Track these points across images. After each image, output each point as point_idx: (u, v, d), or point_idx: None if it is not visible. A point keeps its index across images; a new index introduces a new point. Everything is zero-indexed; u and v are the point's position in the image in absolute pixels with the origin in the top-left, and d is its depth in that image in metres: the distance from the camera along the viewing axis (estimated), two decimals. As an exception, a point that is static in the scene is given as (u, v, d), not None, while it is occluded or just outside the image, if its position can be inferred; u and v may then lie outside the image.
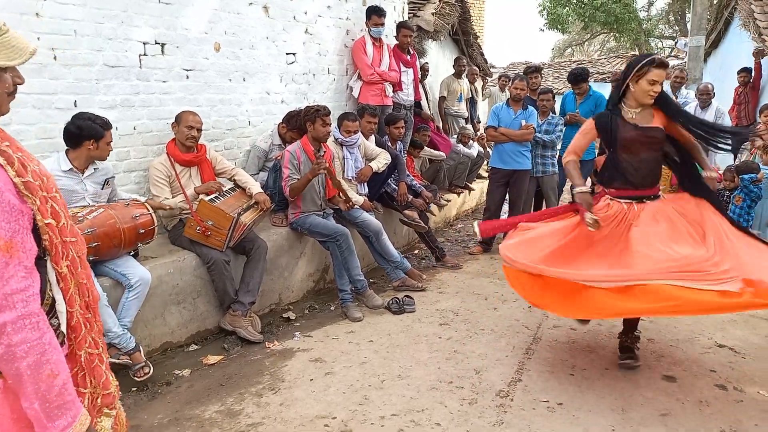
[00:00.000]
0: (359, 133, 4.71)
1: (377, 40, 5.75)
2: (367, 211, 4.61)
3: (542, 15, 20.61)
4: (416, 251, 5.93)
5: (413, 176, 5.76)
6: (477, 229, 3.63)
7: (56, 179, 2.90)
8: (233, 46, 4.51)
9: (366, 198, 4.74)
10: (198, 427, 2.72)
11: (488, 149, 7.81)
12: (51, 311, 1.25)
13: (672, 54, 18.01)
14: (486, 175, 7.44)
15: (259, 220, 3.95)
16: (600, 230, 2.94)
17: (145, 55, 3.85)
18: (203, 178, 3.84)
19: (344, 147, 4.64)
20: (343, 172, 4.64)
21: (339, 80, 5.80)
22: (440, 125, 8.02)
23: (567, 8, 19.60)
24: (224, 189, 3.82)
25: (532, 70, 6.68)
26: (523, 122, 5.44)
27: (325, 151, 4.30)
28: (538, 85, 6.49)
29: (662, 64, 2.96)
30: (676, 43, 17.74)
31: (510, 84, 5.77)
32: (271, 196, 4.07)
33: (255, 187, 3.95)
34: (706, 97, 6.53)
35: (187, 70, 4.15)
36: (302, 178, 4.09)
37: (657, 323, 3.86)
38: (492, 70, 12.96)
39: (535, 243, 3.17)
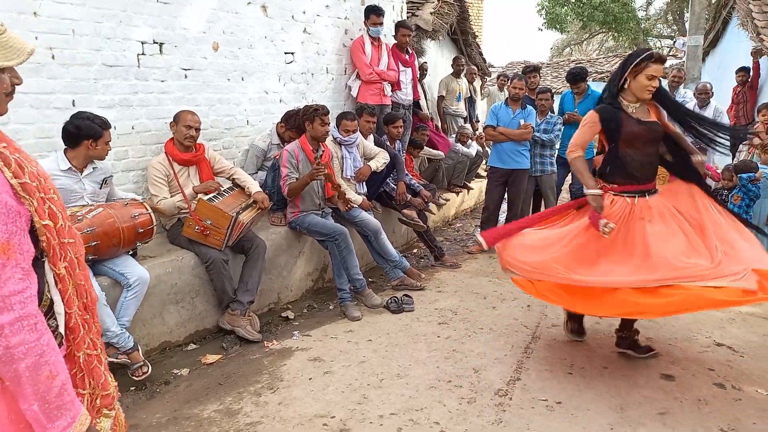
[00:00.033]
0: (358, 133, 4.71)
1: (376, 40, 5.75)
2: (365, 211, 4.61)
3: (541, 14, 20.61)
4: (415, 250, 5.93)
5: (412, 175, 5.76)
6: (482, 240, 3.43)
7: (55, 178, 2.94)
8: (232, 46, 4.50)
9: (365, 197, 4.73)
10: (197, 426, 2.72)
11: (487, 148, 7.81)
12: (49, 312, 1.25)
13: (670, 53, 18.02)
14: (485, 174, 7.44)
15: (257, 219, 3.95)
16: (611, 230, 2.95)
17: (143, 54, 3.84)
18: (202, 178, 3.83)
19: (343, 146, 4.64)
20: (342, 171, 4.64)
21: (337, 80, 5.80)
22: (439, 124, 8.02)
23: (565, 8, 19.60)
24: (223, 188, 3.82)
25: (531, 70, 6.69)
26: (522, 122, 5.45)
27: (324, 151, 4.30)
28: (537, 85, 6.50)
29: (660, 59, 2.98)
30: (674, 42, 17.73)
31: (508, 83, 5.78)
32: (269, 196, 4.06)
33: (254, 186, 3.95)
34: (704, 96, 6.53)
35: (185, 69, 4.15)
36: (301, 179, 4.09)
37: (656, 322, 3.86)
38: (491, 69, 12.95)
39: (544, 249, 3.11)
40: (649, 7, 23.10)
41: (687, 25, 10.53)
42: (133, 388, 3.06)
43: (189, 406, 2.90)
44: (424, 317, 4.04)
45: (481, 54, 10.39)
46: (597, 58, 20.52)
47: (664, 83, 7.25)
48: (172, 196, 3.69)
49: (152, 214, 3.25)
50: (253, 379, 3.16)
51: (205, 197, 3.55)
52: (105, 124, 3.15)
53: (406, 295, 4.29)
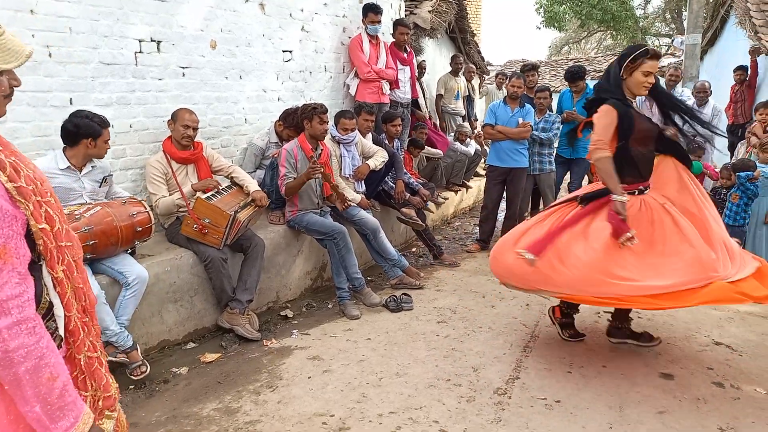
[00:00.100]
0: (356, 131, 4.70)
1: (374, 38, 5.74)
2: (364, 209, 4.61)
3: (539, 13, 20.62)
4: (414, 249, 5.93)
5: (411, 174, 5.76)
6: (529, 255, 2.99)
7: (53, 177, 2.93)
8: (229, 44, 4.49)
9: (363, 196, 4.73)
10: (196, 424, 2.71)
11: (485, 147, 7.82)
12: (48, 314, 1.24)
13: (668, 52, 18.03)
14: (483, 173, 7.45)
15: (256, 218, 3.94)
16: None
17: (140, 52, 3.83)
18: (200, 176, 3.82)
19: (341, 145, 4.63)
20: (341, 170, 4.63)
21: (336, 78, 5.79)
22: (437, 123, 8.02)
23: (564, 6, 19.60)
24: (221, 187, 3.81)
25: (529, 68, 6.69)
26: (520, 120, 5.45)
27: (322, 150, 4.29)
28: (535, 83, 6.50)
29: (656, 55, 2.99)
30: (672, 41, 17.75)
31: (507, 82, 5.78)
32: (268, 194, 4.05)
33: (252, 184, 3.94)
34: (703, 95, 6.53)
35: (183, 67, 4.14)
36: (298, 178, 4.08)
37: (654, 321, 3.87)
38: (489, 67, 12.96)
39: (568, 257, 2.93)
40: (648, 6, 23.12)
41: (685, 23, 10.53)
42: (132, 387, 3.05)
43: (188, 405, 2.89)
44: (423, 316, 4.04)
45: (479, 52, 10.38)
46: (595, 57, 20.54)
47: (662, 82, 7.27)
48: (170, 195, 3.68)
49: (150, 212, 3.24)
50: (252, 378, 3.16)
51: (204, 196, 3.54)
52: (104, 123, 3.14)
53: (405, 294, 4.29)
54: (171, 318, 3.53)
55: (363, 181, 4.85)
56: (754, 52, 8.01)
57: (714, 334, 3.69)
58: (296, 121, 4.41)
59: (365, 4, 5.72)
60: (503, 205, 5.98)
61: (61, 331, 1.27)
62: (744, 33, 8.23)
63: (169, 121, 3.74)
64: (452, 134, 7.75)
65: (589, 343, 3.55)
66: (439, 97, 8.08)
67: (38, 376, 1.13)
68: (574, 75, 5.90)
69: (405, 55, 6.21)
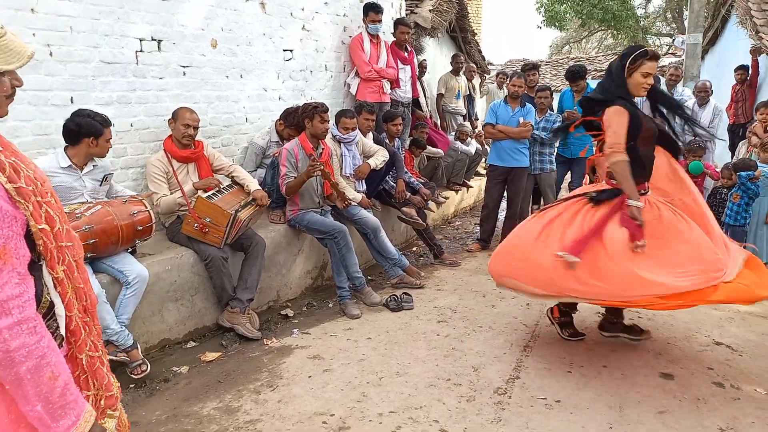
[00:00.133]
0: (357, 131, 4.70)
1: (375, 37, 5.74)
2: (365, 209, 4.61)
3: (540, 12, 20.59)
4: (414, 248, 5.93)
5: (411, 173, 5.76)
6: (573, 257, 2.89)
7: (54, 176, 2.94)
8: (230, 43, 4.49)
9: (364, 195, 4.73)
10: (196, 423, 2.71)
11: (486, 146, 7.81)
12: (48, 314, 1.25)
13: (669, 51, 18.02)
14: (484, 172, 7.45)
15: (256, 217, 3.94)
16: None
17: (141, 51, 3.83)
18: (201, 175, 3.82)
19: (342, 144, 4.63)
20: (341, 169, 4.63)
21: (336, 77, 5.79)
22: (438, 122, 8.02)
23: (565, 5, 19.58)
24: (222, 186, 3.81)
25: (530, 68, 6.68)
26: (521, 119, 5.45)
27: (323, 149, 4.29)
28: (536, 83, 6.49)
29: (655, 56, 3.02)
30: (673, 40, 17.72)
31: (508, 81, 5.78)
32: (268, 193, 4.06)
33: (253, 183, 3.94)
34: (704, 94, 6.52)
35: (183, 66, 4.14)
36: (298, 177, 4.08)
37: (654, 321, 3.87)
38: (490, 67, 12.95)
39: (599, 264, 2.88)
40: (648, 5, 23.09)
41: (686, 23, 10.52)
42: (132, 386, 3.06)
43: (188, 404, 2.90)
44: (424, 315, 4.04)
45: (480, 51, 10.38)
46: (596, 56, 20.52)
47: (662, 81, 7.27)
48: (171, 194, 3.68)
49: (151, 211, 3.25)
50: (252, 377, 3.16)
51: (204, 195, 3.55)
52: (106, 122, 3.14)
53: (405, 293, 4.29)
54: (171, 317, 3.53)
55: (364, 181, 4.85)
56: (755, 52, 8.00)
57: (714, 334, 3.69)
58: (297, 120, 4.40)
59: (366, 3, 5.71)
60: (504, 204, 5.98)
61: (63, 331, 1.28)
62: (745, 32, 8.23)
63: (169, 120, 3.74)
64: (453, 133, 7.74)
65: (589, 342, 3.55)
66: (440, 96, 8.08)
67: (40, 376, 1.13)
68: (575, 74, 5.90)
69: (406, 54, 6.20)
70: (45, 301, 1.24)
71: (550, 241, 3.04)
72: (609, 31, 21.89)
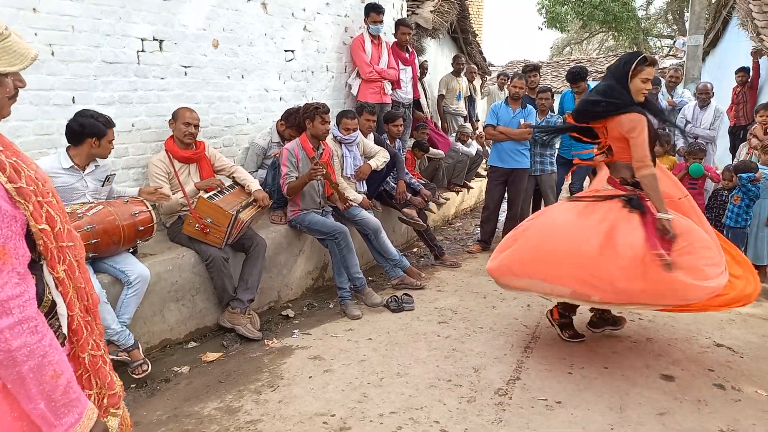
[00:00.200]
0: (358, 131, 4.70)
1: (376, 38, 5.74)
2: (365, 209, 4.61)
3: (541, 13, 20.64)
4: (415, 249, 5.93)
5: (412, 174, 5.76)
6: (668, 258, 2.85)
7: (56, 176, 2.94)
8: (231, 43, 4.49)
9: (365, 196, 4.73)
10: (197, 423, 2.71)
11: (487, 148, 7.81)
12: (50, 313, 1.25)
13: (670, 53, 18.03)
14: (485, 173, 7.44)
15: (257, 218, 3.94)
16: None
17: (143, 51, 3.83)
18: (202, 176, 3.82)
19: (343, 145, 4.63)
20: (342, 170, 4.63)
21: (337, 78, 5.79)
22: (439, 123, 8.02)
23: (566, 7, 19.61)
24: (224, 186, 3.82)
25: (531, 69, 6.69)
26: (522, 121, 5.45)
27: (324, 150, 4.29)
28: (537, 84, 6.50)
29: (653, 62, 3.11)
30: (674, 42, 17.74)
31: (509, 82, 5.77)
32: (269, 194, 4.06)
33: (254, 184, 3.94)
34: (705, 96, 6.52)
35: (185, 66, 4.14)
36: (299, 178, 4.08)
37: (655, 322, 3.87)
38: (491, 68, 12.95)
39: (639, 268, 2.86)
40: (649, 7, 23.13)
41: (687, 24, 10.54)
42: (133, 386, 3.05)
43: (189, 404, 2.90)
44: (424, 316, 4.04)
45: (481, 53, 10.38)
46: (597, 58, 20.52)
47: (662, 83, 7.26)
48: (173, 194, 3.68)
49: (152, 211, 3.25)
50: (253, 377, 3.16)
51: (206, 195, 3.55)
52: (109, 123, 3.14)
53: (406, 294, 4.29)
54: (172, 317, 3.53)
55: (364, 181, 4.85)
56: (756, 54, 8.01)
57: (715, 336, 3.69)
58: (298, 121, 4.41)
59: (367, 4, 5.72)
60: (505, 205, 5.98)
61: (65, 330, 1.28)
62: (746, 34, 8.23)
63: (170, 120, 3.74)
64: (454, 135, 7.75)
65: (590, 344, 3.55)
66: (441, 97, 8.08)
67: (42, 374, 1.14)
68: (576, 76, 5.90)
69: (407, 55, 6.21)
70: (46, 301, 1.24)
71: (619, 250, 2.88)
72: (610, 32, 21.93)
